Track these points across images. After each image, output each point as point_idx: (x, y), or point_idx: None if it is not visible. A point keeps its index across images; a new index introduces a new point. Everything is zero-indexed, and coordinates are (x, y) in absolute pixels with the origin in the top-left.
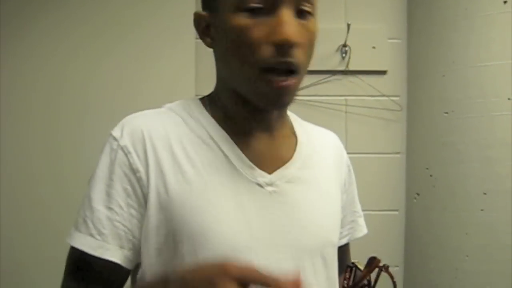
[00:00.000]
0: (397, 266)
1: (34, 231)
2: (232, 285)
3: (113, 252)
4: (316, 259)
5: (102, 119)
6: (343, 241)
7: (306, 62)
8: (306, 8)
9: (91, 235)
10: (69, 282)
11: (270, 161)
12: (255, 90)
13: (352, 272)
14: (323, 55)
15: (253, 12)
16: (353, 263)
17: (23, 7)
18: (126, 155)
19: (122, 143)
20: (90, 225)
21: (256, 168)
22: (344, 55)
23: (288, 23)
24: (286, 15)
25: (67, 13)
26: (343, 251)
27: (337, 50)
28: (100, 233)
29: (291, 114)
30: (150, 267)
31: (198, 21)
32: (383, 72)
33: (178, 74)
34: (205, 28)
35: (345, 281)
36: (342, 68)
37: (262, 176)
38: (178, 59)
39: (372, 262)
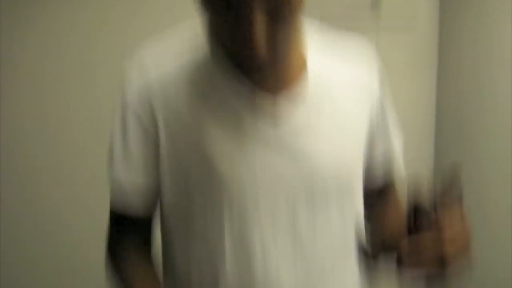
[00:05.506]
0: None
1: (37, 229)
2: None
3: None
4: (331, 204)
5: None
6: (379, 182)
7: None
8: None
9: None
10: (111, 233)
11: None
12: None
13: (419, 213)
14: None
15: None
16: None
17: None
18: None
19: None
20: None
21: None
22: None
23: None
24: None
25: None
26: (383, 192)
27: None
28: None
29: (311, 34)
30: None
31: None
32: None
33: None
34: None
35: (411, 223)
36: None
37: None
38: None
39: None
